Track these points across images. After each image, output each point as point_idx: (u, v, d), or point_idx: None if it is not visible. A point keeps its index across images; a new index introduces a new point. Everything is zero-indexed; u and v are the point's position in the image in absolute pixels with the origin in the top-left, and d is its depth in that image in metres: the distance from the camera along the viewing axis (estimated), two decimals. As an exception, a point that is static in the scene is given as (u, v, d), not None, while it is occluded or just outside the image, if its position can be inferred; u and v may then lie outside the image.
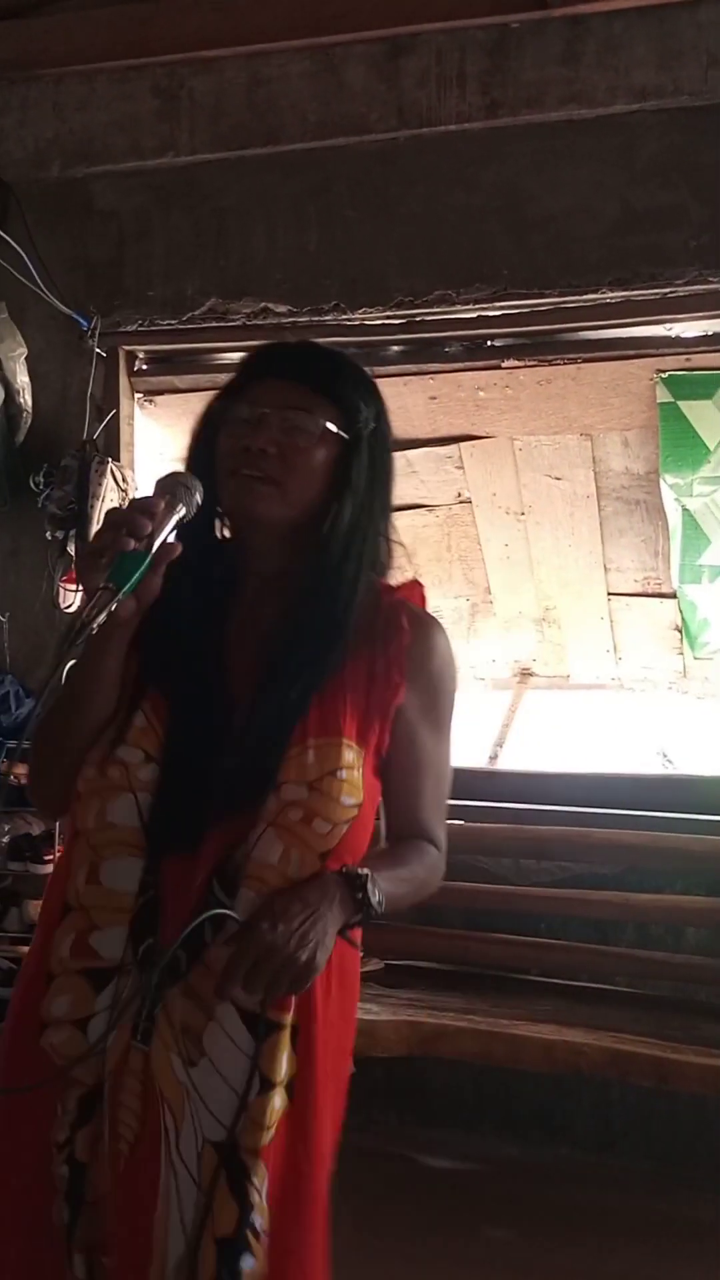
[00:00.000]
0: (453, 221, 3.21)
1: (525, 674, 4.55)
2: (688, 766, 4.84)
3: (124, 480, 3.41)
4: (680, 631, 4.18)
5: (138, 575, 1.19)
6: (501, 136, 3.16)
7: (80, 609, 1.19)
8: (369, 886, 1.29)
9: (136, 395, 3.69)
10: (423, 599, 1.46)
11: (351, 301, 3.29)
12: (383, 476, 1.41)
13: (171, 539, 1.23)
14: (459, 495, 4.20)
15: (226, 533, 1.42)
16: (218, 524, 1.41)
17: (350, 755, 1.31)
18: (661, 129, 3.05)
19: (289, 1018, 1.29)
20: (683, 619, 4.07)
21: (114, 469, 3.38)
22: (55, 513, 3.36)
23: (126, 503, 1.21)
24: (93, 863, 1.33)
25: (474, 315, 3.27)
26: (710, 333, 3.26)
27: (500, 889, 3.14)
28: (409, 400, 3.72)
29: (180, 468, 1.38)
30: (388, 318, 3.31)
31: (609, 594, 4.29)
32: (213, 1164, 1.26)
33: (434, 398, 3.58)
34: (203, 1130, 1.27)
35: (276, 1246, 1.28)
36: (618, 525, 4.10)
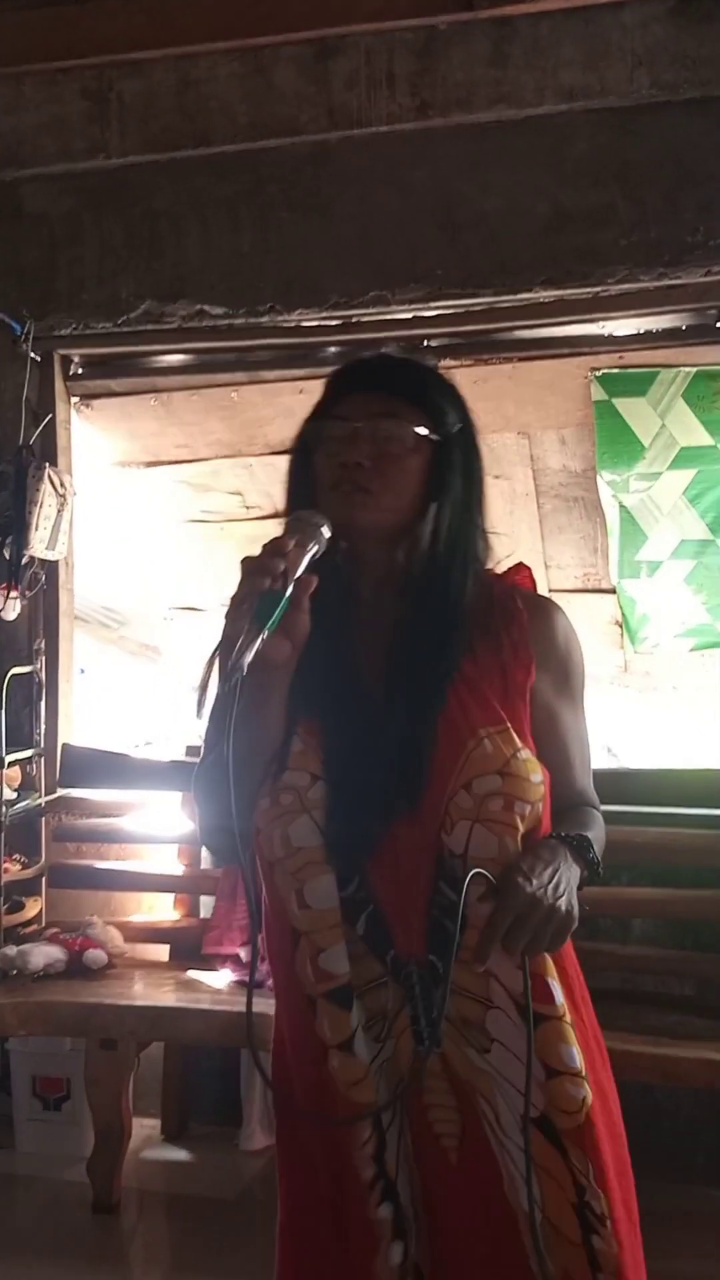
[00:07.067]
0: (386, 223, 3.22)
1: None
2: (631, 760, 4.89)
3: (62, 485, 3.38)
4: (620, 626, 4.23)
5: (279, 612, 1.23)
6: (432, 137, 3.17)
7: (229, 654, 1.23)
8: (593, 847, 1.36)
9: (73, 399, 3.65)
10: (532, 581, 1.54)
11: (287, 303, 3.29)
12: (475, 475, 1.46)
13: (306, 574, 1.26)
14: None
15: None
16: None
17: (518, 738, 1.35)
18: (590, 129, 3.09)
19: (556, 1009, 1.33)
20: (622, 614, 4.11)
21: (51, 474, 3.34)
22: (-9, 520, 3.32)
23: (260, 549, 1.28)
24: (298, 888, 1.36)
25: (409, 315, 3.28)
26: (642, 331, 3.31)
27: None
28: (347, 401, 3.72)
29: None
30: (324, 319, 3.31)
31: (550, 590, 4.33)
32: (537, 1139, 1.31)
33: (372, 398, 3.59)
34: (515, 1109, 1.31)
35: (617, 1235, 1.33)
36: (557, 522, 4.13)
